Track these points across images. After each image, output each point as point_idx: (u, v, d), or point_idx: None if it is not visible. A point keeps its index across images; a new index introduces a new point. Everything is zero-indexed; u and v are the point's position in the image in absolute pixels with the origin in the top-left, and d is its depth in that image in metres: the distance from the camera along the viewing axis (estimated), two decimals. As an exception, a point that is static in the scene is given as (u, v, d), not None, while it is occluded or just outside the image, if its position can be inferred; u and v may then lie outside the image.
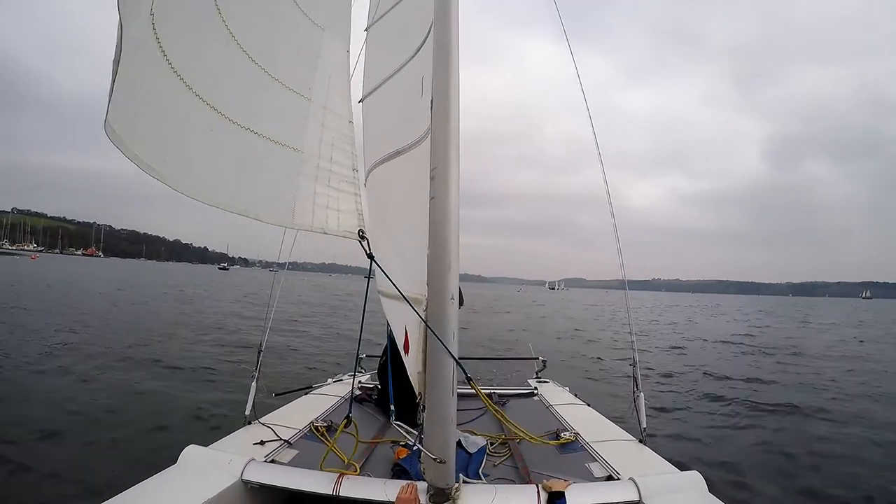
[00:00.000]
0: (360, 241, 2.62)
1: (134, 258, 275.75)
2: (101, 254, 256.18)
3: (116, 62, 1.99)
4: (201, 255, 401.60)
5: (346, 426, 3.62)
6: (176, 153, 2.20)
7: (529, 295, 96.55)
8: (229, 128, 2.28)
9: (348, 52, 2.83)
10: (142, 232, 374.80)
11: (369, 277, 2.84)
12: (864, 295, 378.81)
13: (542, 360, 7.26)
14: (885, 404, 10.27)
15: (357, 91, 3.97)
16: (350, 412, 3.24)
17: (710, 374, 13.30)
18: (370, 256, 2.65)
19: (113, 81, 1.99)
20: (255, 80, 2.42)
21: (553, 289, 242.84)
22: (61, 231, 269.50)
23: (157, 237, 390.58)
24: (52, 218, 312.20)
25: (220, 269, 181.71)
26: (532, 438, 4.08)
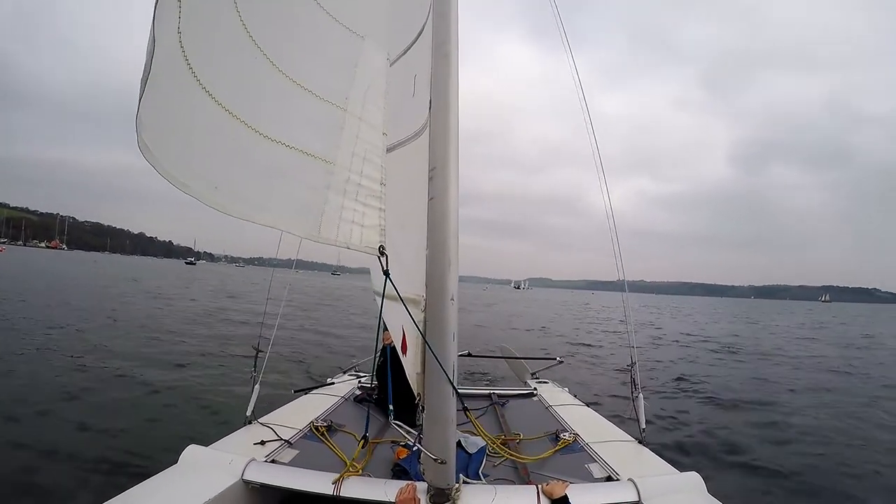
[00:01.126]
0: (378, 258, 2.60)
1: (98, 251, 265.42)
2: (64, 246, 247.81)
3: (145, 80, 2.01)
4: (166, 250, 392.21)
5: (346, 427, 3.98)
6: (206, 168, 2.19)
7: (496, 294, 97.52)
8: (260, 141, 2.26)
9: (388, 59, 2.77)
10: (106, 224, 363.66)
11: (383, 295, 2.75)
12: (823, 298, 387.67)
13: (560, 360, 7.30)
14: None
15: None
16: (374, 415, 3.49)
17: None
18: (386, 273, 2.61)
19: (140, 98, 2.01)
20: (287, 92, 2.38)
21: (518, 288, 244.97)
22: (24, 222, 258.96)
23: (122, 230, 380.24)
24: (14, 208, 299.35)
25: (186, 263, 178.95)
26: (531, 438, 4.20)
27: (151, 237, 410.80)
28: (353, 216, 2.49)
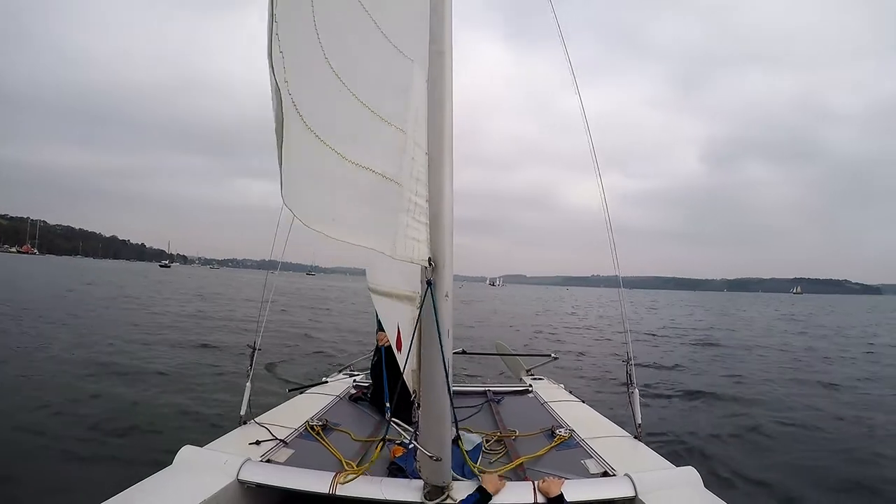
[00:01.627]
0: (424, 269, 2.73)
1: (70, 255, 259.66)
2: (36, 251, 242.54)
3: (280, 137, 2.21)
4: (139, 253, 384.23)
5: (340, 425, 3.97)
6: (325, 204, 2.43)
7: (471, 291, 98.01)
8: (355, 170, 2.42)
9: (427, 82, 2.82)
10: (77, 228, 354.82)
11: (422, 304, 2.83)
12: (794, 290, 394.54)
13: (554, 356, 7.29)
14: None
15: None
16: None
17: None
18: (429, 283, 2.73)
19: (280, 158, 2.23)
20: (367, 121, 2.48)
21: (493, 285, 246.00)
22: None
23: (94, 233, 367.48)
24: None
25: (161, 266, 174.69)
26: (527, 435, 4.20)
27: (124, 240, 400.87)
28: (411, 232, 2.61)
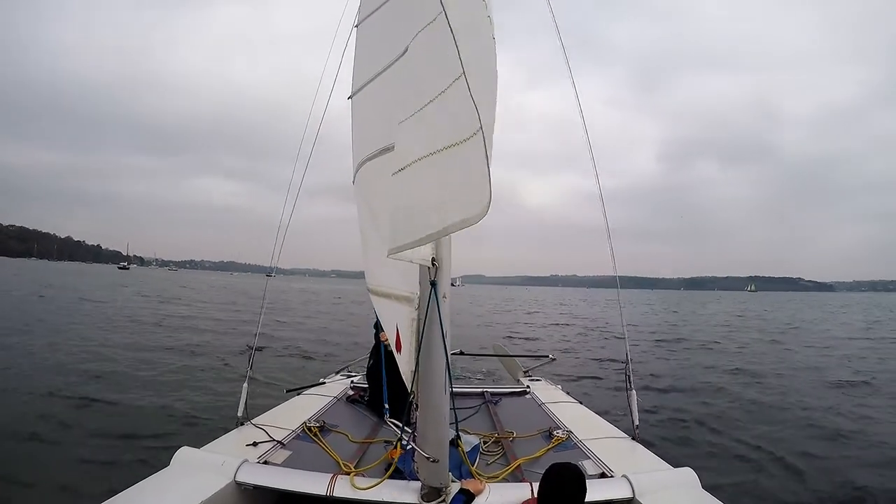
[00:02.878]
0: (429, 269, 2.72)
1: (25, 257, 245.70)
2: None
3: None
4: (95, 254, 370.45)
5: (338, 426, 3.99)
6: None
7: None
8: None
9: None
10: (31, 228, 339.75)
11: (427, 305, 2.85)
12: (749, 288, 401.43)
13: (552, 358, 7.37)
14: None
15: (347, 88, 3.91)
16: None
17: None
18: (433, 283, 2.72)
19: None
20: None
21: (453, 284, 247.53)
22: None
23: (48, 234, 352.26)
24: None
25: (119, 268, 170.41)
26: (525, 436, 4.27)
27: (79, 241, 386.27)
28: None
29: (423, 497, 2.97)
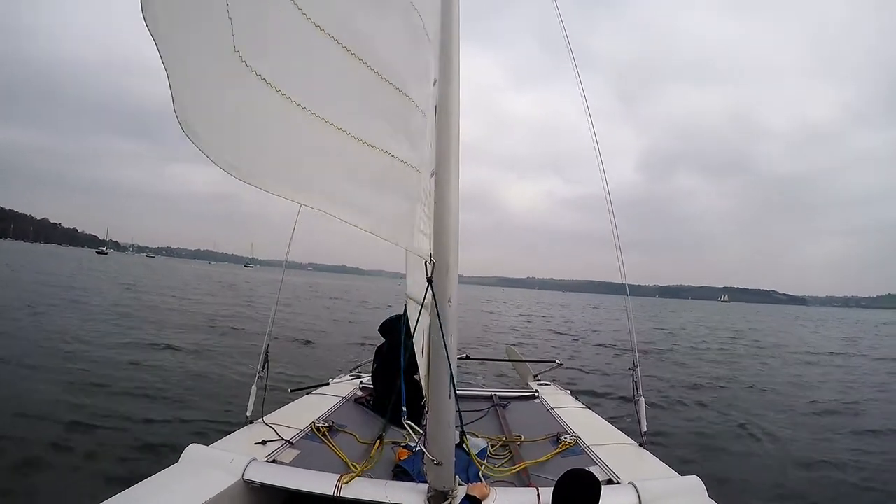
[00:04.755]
0: (426, 265, 2.63)
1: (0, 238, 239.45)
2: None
3: (183, 63, 1.66)
4: (71, 237, 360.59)
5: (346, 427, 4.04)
6: (294, 167, 2.01)
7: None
8: (359, 148, 2.15)
9: (436, 58, 2.69)
10: (7, 209, 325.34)
11: (432, 305, 2.82)
12: (722, 299, 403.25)
13: (559, 363, 7.33)
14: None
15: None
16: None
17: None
18: (430, 280, 2.65)
19: (177, 83, 1.64)
20: (388, 99, 2.25)
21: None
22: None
23: (24, 215, 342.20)
24: None
25: (98, 253, 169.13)
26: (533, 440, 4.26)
27: (55, 223, 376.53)
28: (421, 225, 2.54)
29: (429, 500, 2.98)
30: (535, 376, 7.15)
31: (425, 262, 2.61)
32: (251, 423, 4.20)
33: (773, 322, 57.52)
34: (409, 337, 3.36)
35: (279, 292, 5.25)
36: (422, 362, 3.30)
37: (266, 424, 4.15)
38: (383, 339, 5.18)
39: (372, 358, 6.03)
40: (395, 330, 4.66)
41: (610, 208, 4.67)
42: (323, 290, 55.46)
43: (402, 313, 3.70)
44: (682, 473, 3.60)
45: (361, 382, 6.10)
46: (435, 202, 2.71)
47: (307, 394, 5.62)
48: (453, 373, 2.85)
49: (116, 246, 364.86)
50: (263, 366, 4.38)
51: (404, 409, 3.34)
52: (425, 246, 2.56)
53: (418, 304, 2.97)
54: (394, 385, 3.54)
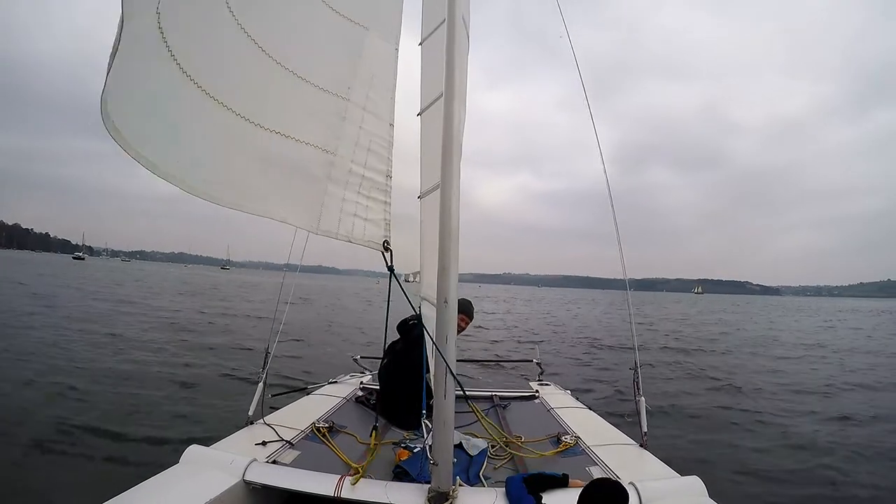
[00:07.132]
0: (383, 253, 2.57)
1: None
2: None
3: (113, 58, 1.87)
4: (44, 243, 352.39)
5: (346, 428, 4.06)
6: (191, 156, 2.12)
7: (384, 288, 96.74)
8: (253, 130, 2.21)
9: (397, 49, 2.72)
10: None
11: (388, 295, 2.88)
12: (696, 290, 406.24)
13: (538, 363, 7.27)
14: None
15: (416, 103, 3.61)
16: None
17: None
18: (390, 269, 2.64)
19: (108, 75, 1.86)
20: (280, 81, 2.32)
21: (408, 281, 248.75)
22: None
23: None
24: None
25: (74, 258, 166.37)
26: (532, 443, 4.24)
27: (27, 229, 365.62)
28: (356, 209, 2.50)
29: (429, 500, 2.92)
30: (538, 377, 7.09)
31: (381, 251, 2.60)
32: (252, 423, 4.20)
33: (749, 311, 59.87)
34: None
35: (279, 293, 5.58)
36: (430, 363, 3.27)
37: (266, 425, 4.15)
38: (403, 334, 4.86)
39: (373, 356, 6.10)
40: (413, 329, 4.41)
41: (612, 208, 4.71)
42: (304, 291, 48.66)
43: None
44: (682, 474, 3.51)
45: (361, 383, 6.10)
46: (440, 208, 2.72)
47: (307, 394, 5.63)
48: (453, 373, 2.88)
49: (90, 250, 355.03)
50: (265, 366, 4.47)
51: (424, 411, 3.36)
52: (370, 233, 2.58)
53: (433, 304, 2.99)
54: (405, 384, 3.76)
